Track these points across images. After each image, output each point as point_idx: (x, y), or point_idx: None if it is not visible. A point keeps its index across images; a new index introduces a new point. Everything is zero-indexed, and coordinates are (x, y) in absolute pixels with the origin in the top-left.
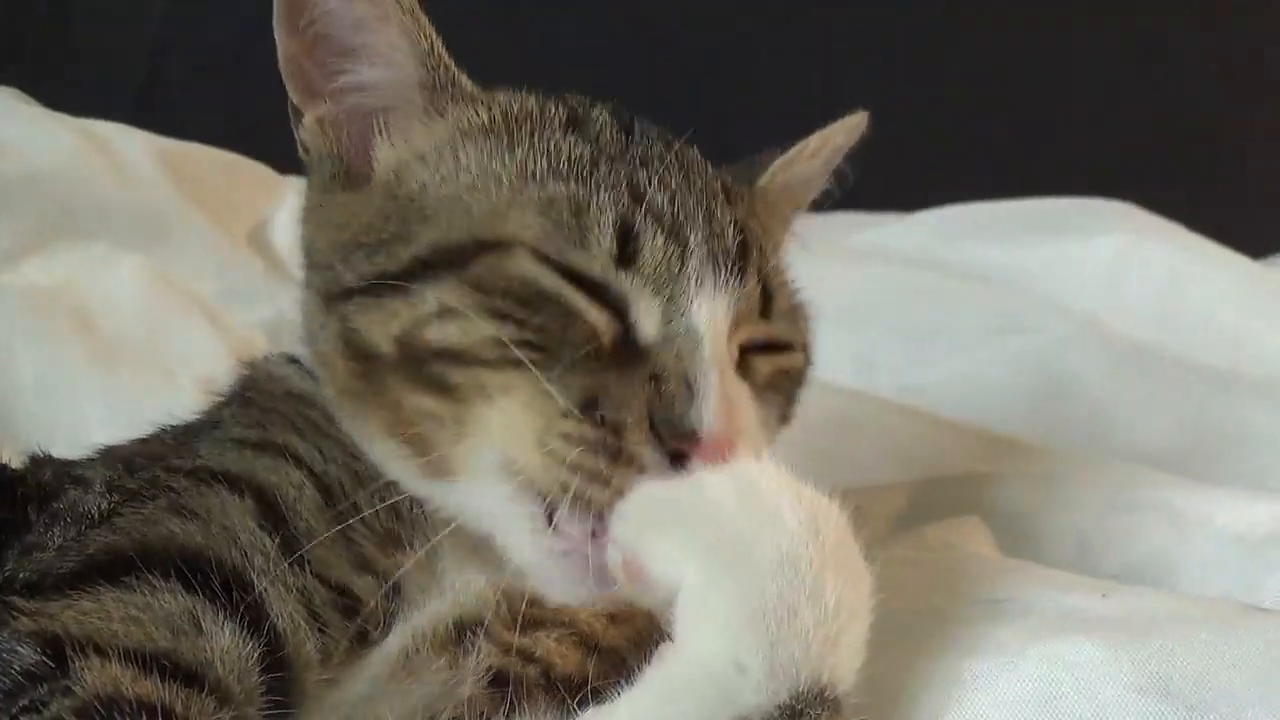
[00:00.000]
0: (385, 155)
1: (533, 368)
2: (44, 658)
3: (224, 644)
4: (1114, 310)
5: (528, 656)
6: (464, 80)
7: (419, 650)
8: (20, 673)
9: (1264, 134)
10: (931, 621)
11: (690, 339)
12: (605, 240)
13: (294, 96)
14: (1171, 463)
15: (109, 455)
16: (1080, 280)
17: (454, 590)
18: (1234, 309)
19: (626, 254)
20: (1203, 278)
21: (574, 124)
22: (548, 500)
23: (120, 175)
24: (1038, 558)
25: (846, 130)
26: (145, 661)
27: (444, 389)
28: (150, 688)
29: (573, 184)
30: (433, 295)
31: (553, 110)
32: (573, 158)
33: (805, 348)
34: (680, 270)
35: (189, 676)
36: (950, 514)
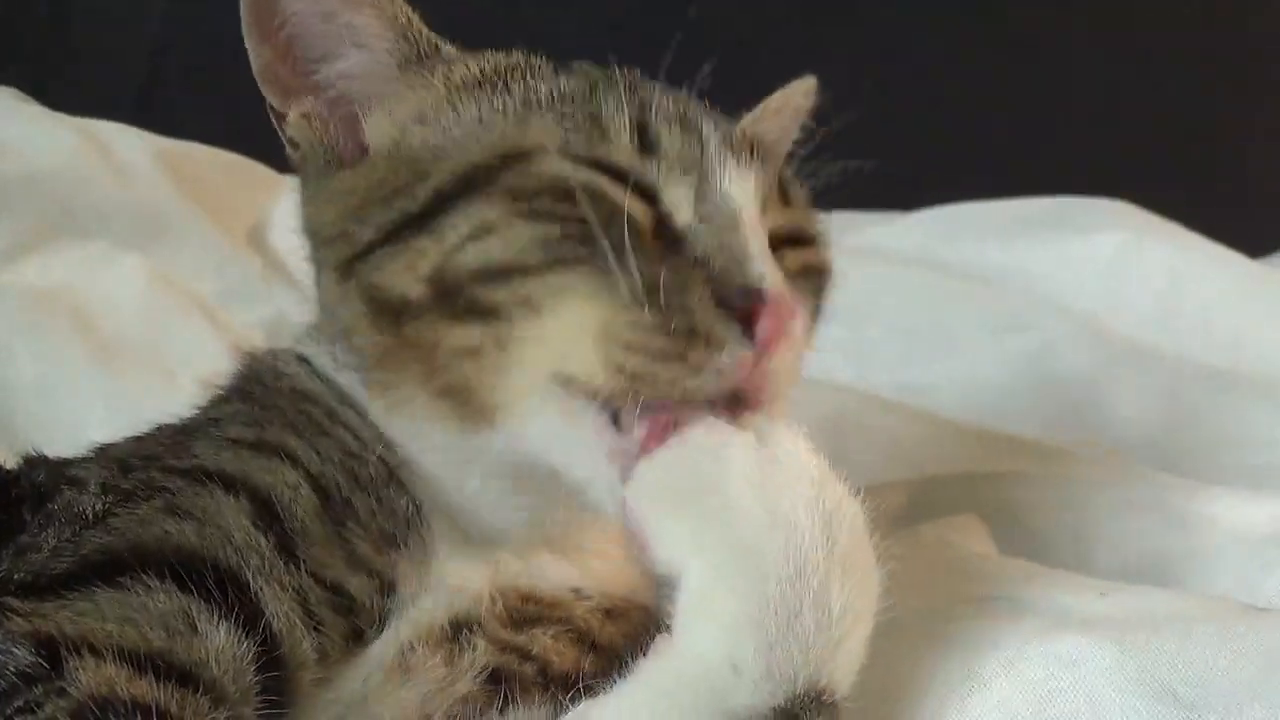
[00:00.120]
0: (379, 129)
1: (589, 254)
2: (39, 658)
3: (219, 644)
4: (1113, 309)
5: (524, 654)
6: (446, 46)
7: (414, 648)
8: (15, 674)
9: (1263, 134)
10: (929, 620)
11: (727, 213)
12: (625, 134)
13: (273, 101)
14: (1170, 462)
15: (103, 455)
16: (1079, 279)
17: (449, 588)
18: (1233, 308)
19: (646, 144)
20: (1202, 277)
21: (562, 69)
22: (610, 402)
23: (120, 175)
24: (1036, 557)
25: (802, 93)
26: (140, 662)
27: (485, 314)
28: (145, 688)
29: (579, 100)
30: (463, 220)
31: (538, 61)
32: (572, 86)
33: (825, 244)
34: (703, 153)
35: (184, 677)
36: (948, 513)
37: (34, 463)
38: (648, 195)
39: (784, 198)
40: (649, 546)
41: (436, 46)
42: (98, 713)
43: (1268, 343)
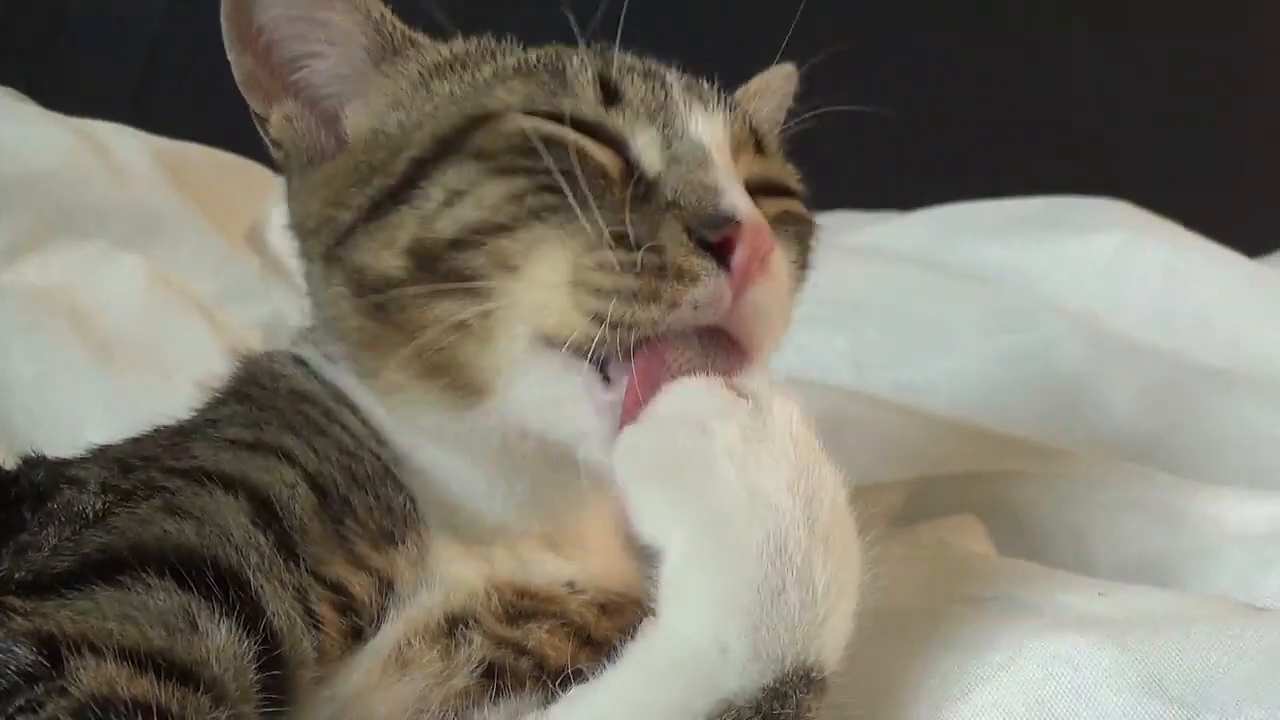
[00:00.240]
0: (357, 119)
1: (559, 204)
2: (39, 657)
3: (219, 642)
4: (1111, 309)
5: (519, 649)
6: (419, 36)
7: (411, 643)
8: (16, 673)
9: (1262, 134)
10: (927, 620)
11: (696, 153)
12: (588, 88)
13: (256, 107)
14: (1168, 461)
15: (103, 455)
16: (1077, 279)
17: (446, 584)
18: (1231, 307)
19: (611, 96)
20: (1200, 276)
21: (530, 48)
22: (596, 351)
23: (117, 175)
24: (1034, 556)
25: (782, 77)
26: (140, 660)
27: (465, 279)
28: (146, 687)
29: (545, 61)
30: (436, 188)
31: (507, 41)
32: (539, 56)
33: (803, 196)
34: (667, 99)
35: (184, 675)
36: (946, 512)
37: (33, 463)
38: (615, 144)
39: (759, 147)
40: (633, 518)
41: (410, 38)
42: (99, 712)
43: (1266, 342)
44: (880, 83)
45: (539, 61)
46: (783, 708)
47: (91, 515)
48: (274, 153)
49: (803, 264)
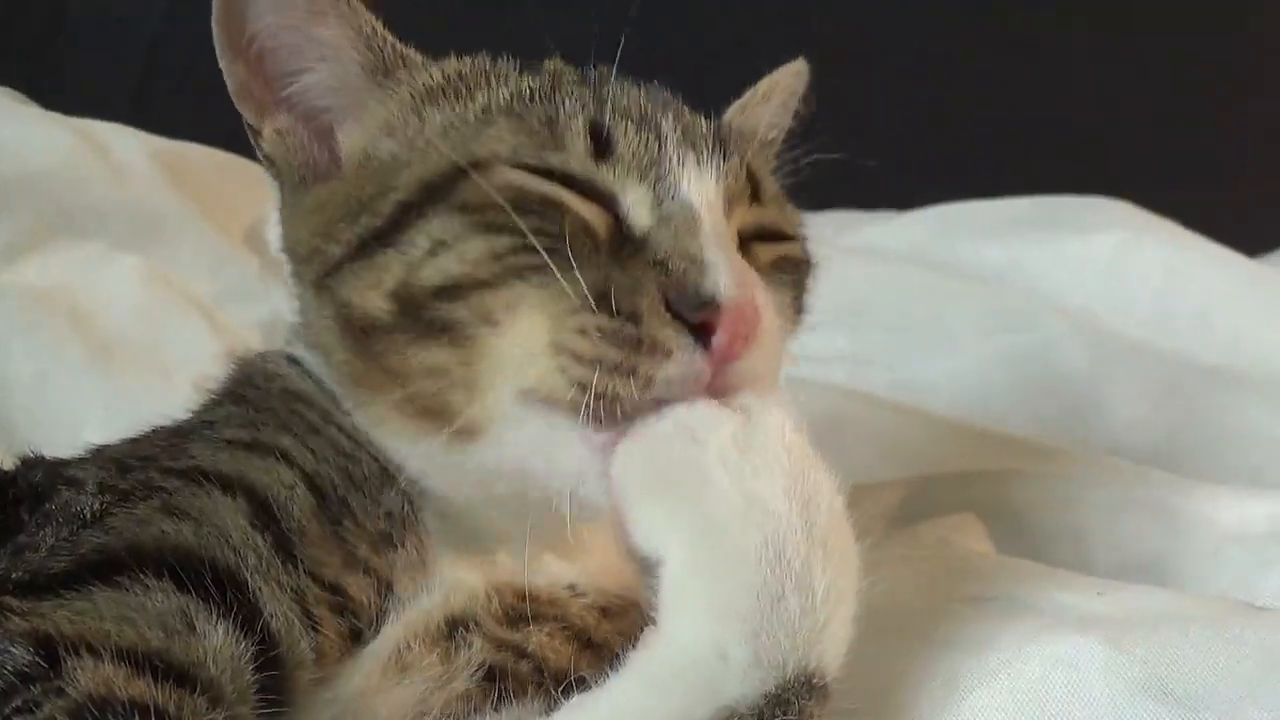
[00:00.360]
0: (350, 141)
1: (541, 264)
2: (37, 658)
3: (216, 643)
4: (1110, 308)
5: (520, 651)
6: (411, 53)
7: (411, 647)
8: (13, 673)
9: (1263, 134)
10: (926, 619)
11: (686, 215)
12: (579, 139)
13: (249, 119)
14: (1168, 461)
15: (100, 455)
16: (1077, 278)
17: (445, 587)
18: (1230, 307)
19: (602, 148)
20: (1199, 276)
21: (527, 68)
22: (579, 412)
23: (117, 175)
24: (1034, 556)
25: (793, 74)
26: (138, 661)
27: (448, 332)
28: (143, 688)
29: (537, 104)
30: (422, 235)
31: (504, 61)
32: (533, 87)
33: (802, 238)
34: (660, 152)
35: (181, 676)
36: (945, 512)
37: (31, 463)
38: (604, 200)
39: (755, 194)
40: (629, 531)
41: (403, 56)
42: (96, 712)
43: (1266, 342)
44: (880, 83)
45: (531, 97)
46: (785, 714)
47: (89, 516)
48: (266, 168)
49: (798, 307)
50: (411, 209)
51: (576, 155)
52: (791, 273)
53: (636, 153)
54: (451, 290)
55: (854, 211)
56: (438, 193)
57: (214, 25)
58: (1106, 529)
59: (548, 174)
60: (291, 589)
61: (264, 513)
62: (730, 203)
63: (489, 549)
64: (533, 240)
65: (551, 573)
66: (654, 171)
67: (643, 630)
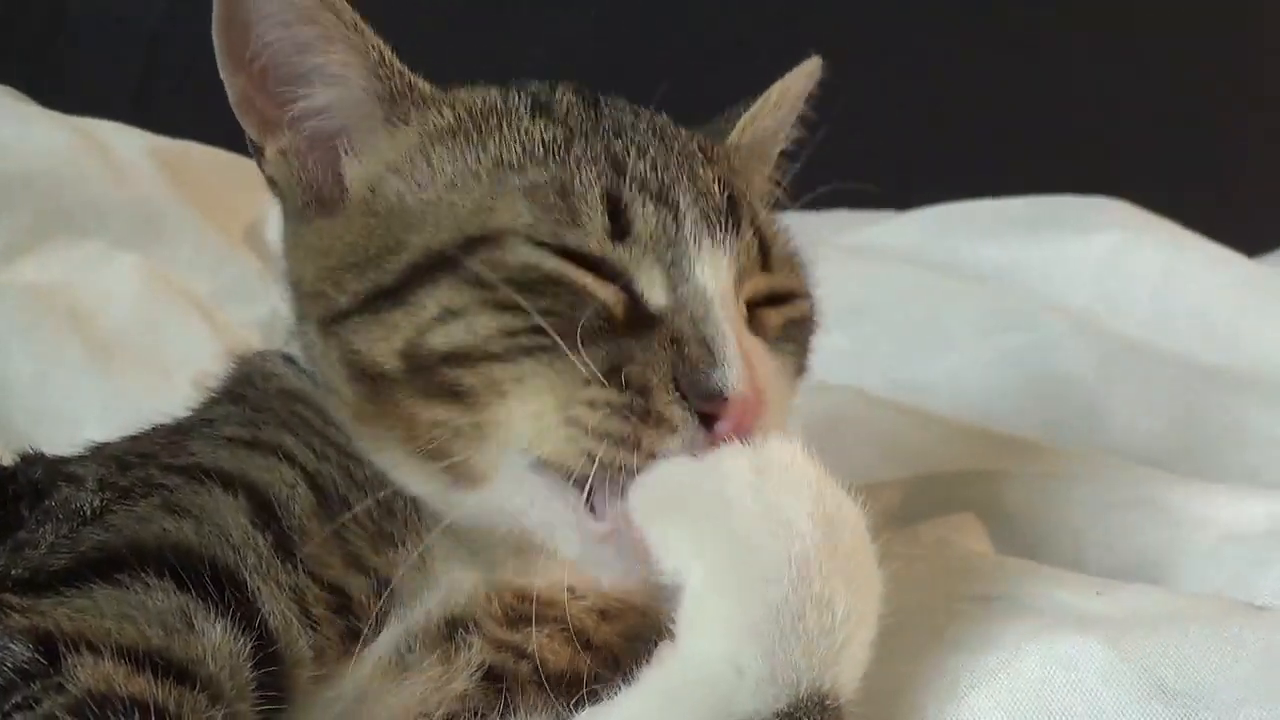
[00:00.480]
0: (355, 173)
1: (551, 343)
2: (37, 655)
3: (216, 641)
4: (1109, 308)
5: (519, 653)
6: (421, 84)
7: (411, 647)
8: (13, 670)
9: (1262, 133)
10: (926, 619)
11: (700, 301)
12: (596, 216)
13: (251, 133)
14: (1166, 460)
15: (100, 452)
16: (1075, 278)
17: (446, 587)
18: (1229, 306)
19: (620, 227)
20: (1197, 275)
21: (540, 108)
22: (583, 482)
23: (116, 174)
24: (1033, 555)
25: (805, 75)
26: (138, 659)
27: (457, 395)
28: (143, 685)
29: (552, 166)
30: (431, 300)
31: (516, 99)
32: (546, 141)
33: (808, 295)
34: (677, 234)
35: (181, 674)
36: (945, 511)
37: (31, 460)
38: (619, 278)
39: (764, 258)
40: (652, 554)
41: (411, 84)
42: (95, 709)
43: (1265, 341)
44: (880, 83)
45: (544, 154)
46: None
47: (89, 513)
48: (269, 189)
49: (800, 368)
50: (421, 271)
51: (594, 235)
52: (796, 337)
53: (654, 234)
54: (460, 358)
55: (853, 211)
56: (448, 261)
57: (214, 35)
58: (1105, 528)
59: (562, 252)
60: (291, 588)
61: (265, 511)
62: (741, 277)
63: (490, 549)
64: (543, 323)
65: (551, 574)
66: (670, 254)
67: (644, 633)
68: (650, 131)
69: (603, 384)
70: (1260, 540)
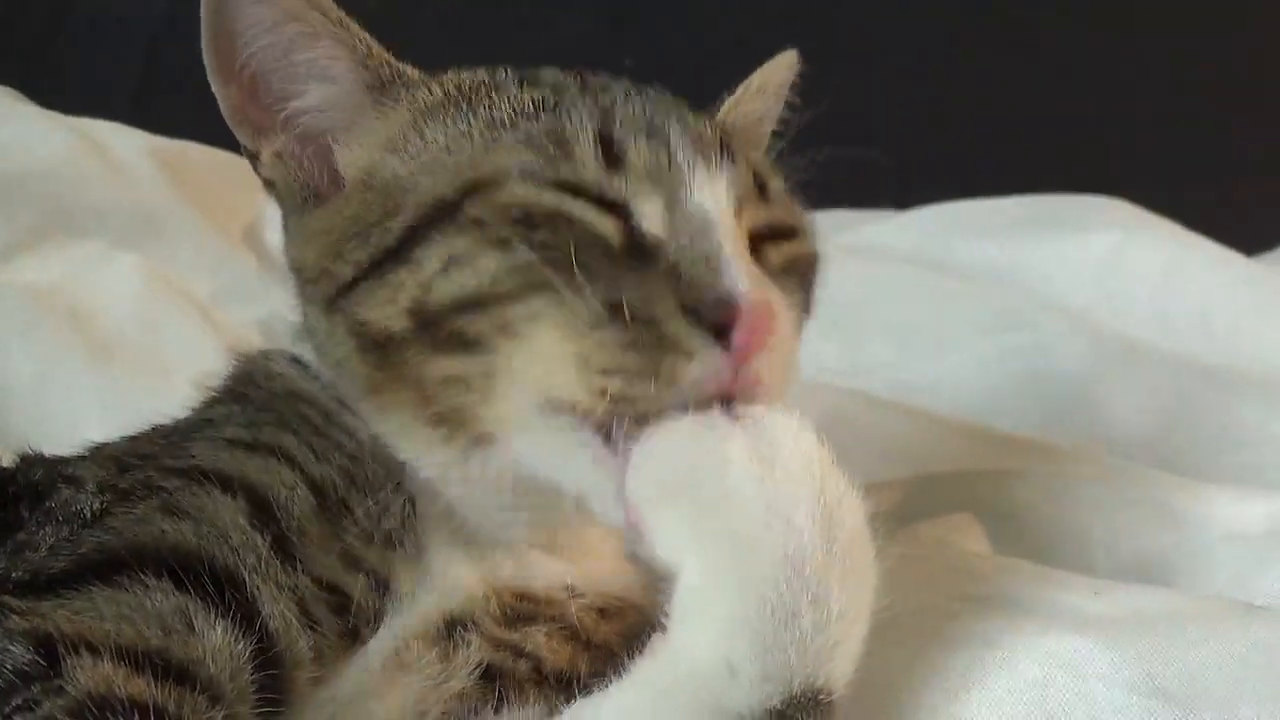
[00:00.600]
0: (350, 160)
1: (559, 277)
2: (36, 656)
3: (216, 643)
4: (1109, 307)
5: (518, 651)
6: (408, 70)
7: (409, 646)
8: (13, 672)
9: (1262, 133)
10: (924, 618)
11: (700, 220)
12: (590, 152)
13: (246, 143)
14: (1166, 459)
15: (100, 453)
16: (1075, 277)
17: (444, 586)
18: (1228, 306)
19: (613, 158)
20: (1198, 275)
21: (527, 79)
22: (599, 422)
23: (115, 174)
24: (1032, 555)
25: (784, 67)
26: (137, 660)
27: (466, 345)
28: (142, 686)
29: (544, 118)
30: (434, 252)
31: (503, 74)
32: (536, 101)
33: (809, 234)
34: (671, 163)
35: (181, 675)
36: (944, 512)
37: (31, 461)
38: (617, 211)
39: (761, 192)
40: (647, 539)
41: (399, 71)
42: (95, 711)
43: (1264, 340)
44: (880, 83)
45: (535, 111)
46: None
47: (89, 515)
48: (267, 191)
49: (806, 306)
50: (422, 228)
51: (588, 166)
52: (801, 274)
53: (647, 162)
54: (469, 305)
55: (852, 210)
56: (447, 211)
57: (204, 50)
58: (1104, 528)
59: (558, 187)
60: (290, 589)
61: (264, 512)
62: (740, 205)
63: (489, 548)
64: (544, 255)
65: (550, 573)
66: (665, 179)
67: (642, 632)
68: (636, 91)
69: (608, 318)
70: (1260, 540)
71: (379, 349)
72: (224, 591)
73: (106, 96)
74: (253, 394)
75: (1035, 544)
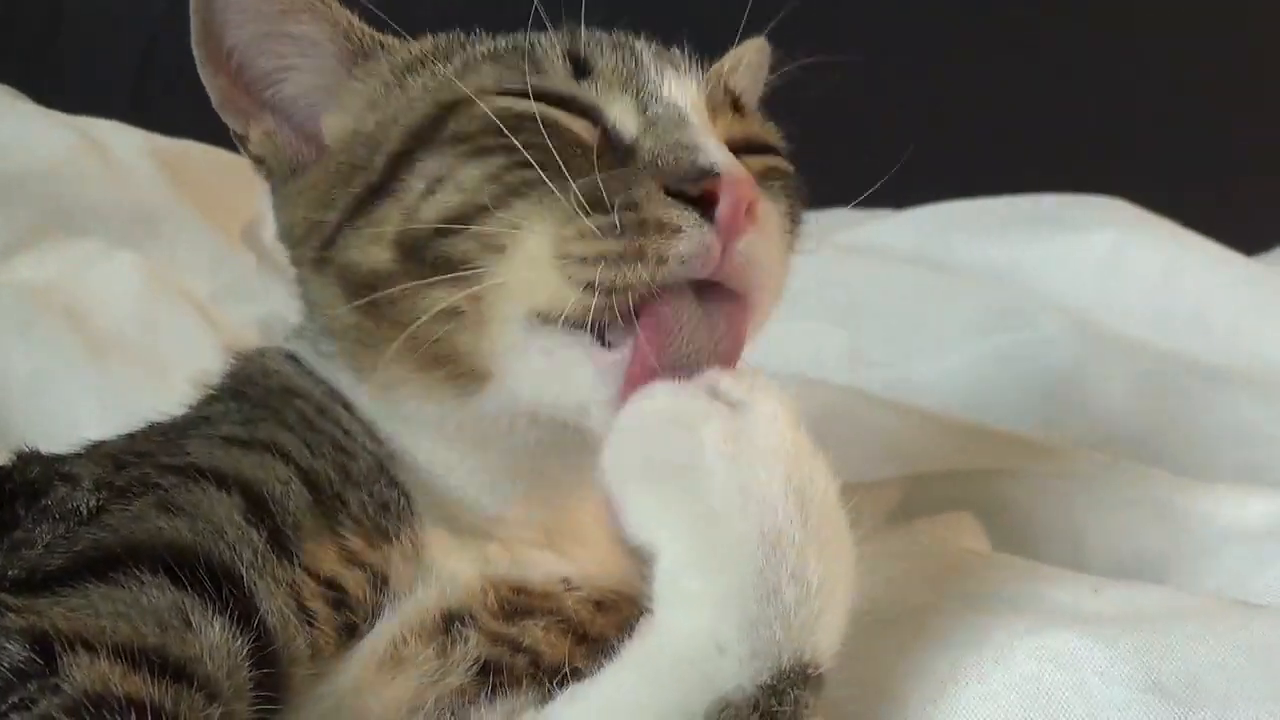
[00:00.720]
0: (334, 123)
1: (537, 178)
2: (32, 654)
3: (213, 639)
4: (1107, 306)
5: (515, 645)
6: (386, 38)
7: (406, 641)
8: (9, 670)
9: (1262, 133)
10: (922, 616)
11: (672, 113)
12: (558, 63)
13: (235, 127)
14: (1164, 458)
15: (96, 451)
16: (1073, 277)
17: (441, 581)
18: (1227, 305)
19: (582, 68)
20: (1196, 274)
21: (497, 36)
22: (596, 322)
23: (114, 173)
24: (1029, 554)
25: (755, 49)
26: (134, 658)
27: (453, 268)
28: (139, 684)
29: (514, 45)
30: (416, 178)
31: (475, 35)
32: (507, 43)
33: (788, 158)
34: (638, 68)
35: (178, 672)
36: (941, 510)
37: (28, 458)
38: (589, 113)
39: (736, 107)
40: (623, 520)
41: (379, 42)
42: (92, 709)
43: (1263, 340)
44: (880, 82)
45: (507, 46)
46: (780, 705)
47: (85, 512)
48: (257, 169)
49: (794, 218)
50: (404, 156)
51: (558, 76)
52: (782, 185)
53: (616, 69)
54: (454, 222)
55: (850, 209)
56: (427, 134)
57: (194, 45)
58: (1102, 527)
59: (533, 96)
60: (287, 584)
61: (259, 508)
62: (714, 110)
63: (485, 542)
64: (524, 157)
65: (547, 567)
66: (634, 82)
67: (637, 620)
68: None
69: (588, 211)
70: (1257, 539)
71: (369, 290)
72: (221, 588)
73: (105, 95)
74: (249, 391)
75: (1032, 542)
